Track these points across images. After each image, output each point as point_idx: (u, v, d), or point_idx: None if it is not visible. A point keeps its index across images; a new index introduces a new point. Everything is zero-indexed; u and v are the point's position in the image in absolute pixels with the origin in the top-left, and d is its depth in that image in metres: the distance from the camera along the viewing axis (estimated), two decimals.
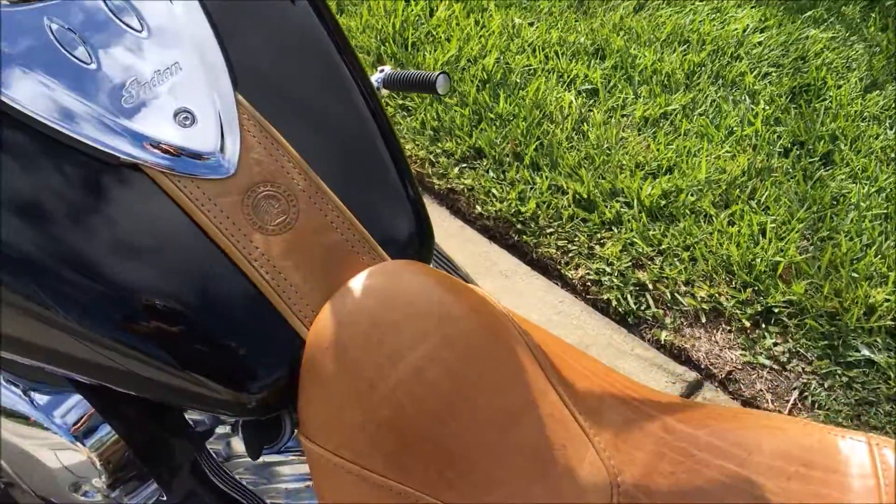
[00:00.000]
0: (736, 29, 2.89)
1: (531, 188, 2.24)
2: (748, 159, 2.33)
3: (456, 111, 2.44)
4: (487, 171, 2.30)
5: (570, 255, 2.11)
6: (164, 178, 0.72)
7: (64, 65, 0.72)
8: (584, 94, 2.56)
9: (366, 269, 0.75)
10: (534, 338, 0.78)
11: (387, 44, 2.64)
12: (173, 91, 0.75)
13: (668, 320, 1.97)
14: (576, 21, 2.87)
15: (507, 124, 2.40)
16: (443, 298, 0.74)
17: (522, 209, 2.19)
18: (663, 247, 2.09)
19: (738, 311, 1.96)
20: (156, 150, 0.73)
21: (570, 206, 2.19)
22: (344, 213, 0.77)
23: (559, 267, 2.10)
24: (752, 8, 3.04)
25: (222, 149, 0.74)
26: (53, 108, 0.71)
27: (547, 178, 2.25)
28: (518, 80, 2.56)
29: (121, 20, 0.76)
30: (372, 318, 0.72)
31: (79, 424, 0.86)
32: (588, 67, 2.64)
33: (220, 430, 0.94)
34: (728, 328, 1.95)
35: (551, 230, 2.15)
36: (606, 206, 2.18)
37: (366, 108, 0.87)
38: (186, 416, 0.92)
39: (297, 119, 0.81)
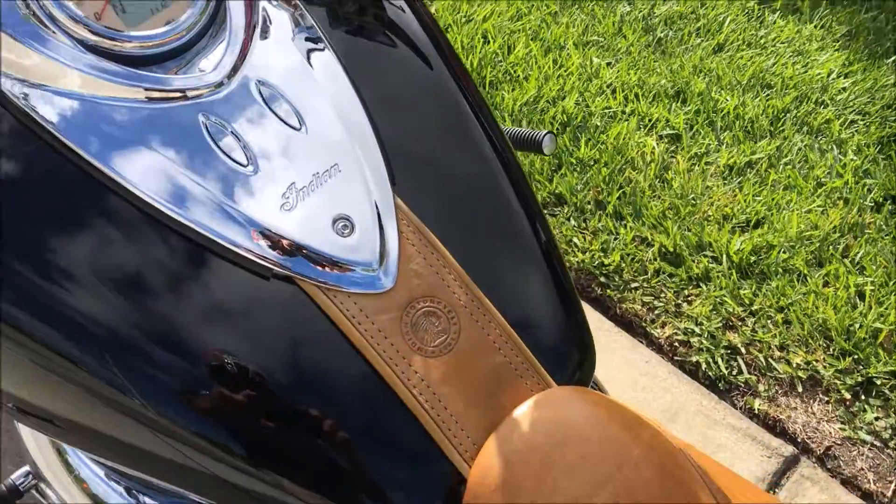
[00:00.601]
0: (820, 74, 2.80)
1: (614, 238, 2.16)
2: (840, 214, 2.23)
3: (536, 155, 2.38)
4: (569, 219, 2.23)
5: (657, 312, 2.03)
6: (318, 292, 0.66)
7: (219, 167, 0.67)
8: (666, 140, 2.48)
9: (531, 398, 0.69)
10: (710, 474, 0.71)
11: None
12: (332, 196, 0.69)
13: (761, 387, 1.88)
14: (654, 61, 2.79)
15: (588, 170, 2.33)
16: (619, 436, 0.68)
17: (606, 261, 2.11)
18: (755, 307, 2.00)
19: (836, 381, 1.86)
20: (312, 262, 0.67)
21: (655, 259, 2.11)
22: (506, 332, 0.70)
23: (644, 324, 2.02)
24: (835, 51, 2.94)
25: (381, 260, 0.68)
26: (206, 213, 0.65)
27: (631, 228, 2.18)
28: (598, 124, 2.48)
29: (280, 118, 0.70)
30: (543, 458, 0.65)
31: None
32: (669, 111, 2.57)
33: None
34: (826, 399, 1.86)
35: (636, 285, 2.08)
36: (694, 261, 2.10)
37: (520, 203, 0.80)
38: None
39: (453, 221, 0.75)
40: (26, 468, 1.03)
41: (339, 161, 0.70)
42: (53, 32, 0.66)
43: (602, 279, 2.10)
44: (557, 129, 2.44)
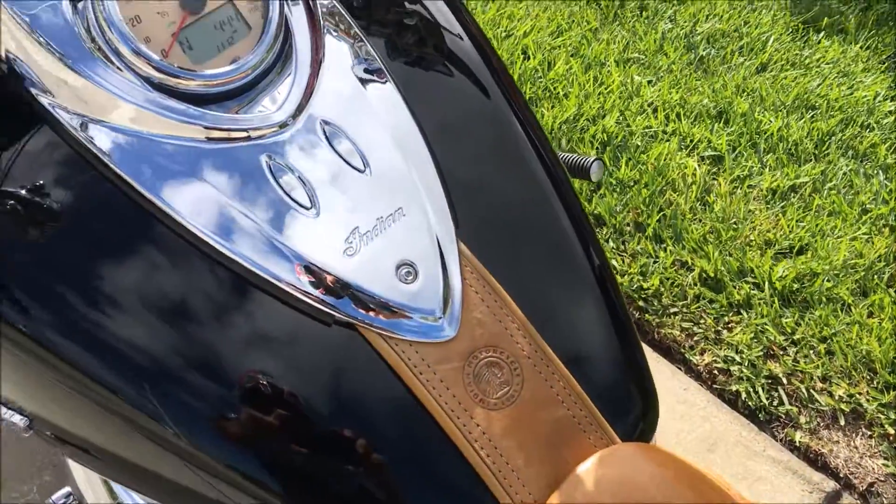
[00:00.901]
0: (865, 96, 2.75)
1: (654, 262, 2.14)
2: (886, 242, 2.18)
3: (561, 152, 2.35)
4: (607, 241, 2.20)
5: (696, 338, 2.00)
6: (379, 340, 0.65)
7: (282, 210, 0.66)
8: (707, 161, 2.45)
9: (595, 454, 0.67)
10: None
11: None
12: (396, 240, 0.68)
13: (802, 419, 1.84)
14: (696, 80, 2.76)
15: (627, 191, 2.30)
16: (685, 497, 0.66)
17: (645, 285, 2.08)
18: (797, 336, 1.96)
19: (880, 415, 1.82)
20: (374, 309, 0.66)
21: (695, 284, 2.08)
22: (569, 384, 0.69)
23: (683, 351, 1.98)
24: (881, 73, 2.89)
25: (444, 308, 0.67)
26: (265, 255, 0.65)
27: (670, 252, 2.15)
28: (639, 143, 2.46)
29: (345, 159, 0.69)
30: None
31: None
32: (711, 132, 2.53)
33: None
34: (869, 433, 1.81)
35: (675, 310, 2.05)
36: (735, 287, 2.06)
37: (581, 243, 0.79)
38: None
39: (515, 266, 0.73)
40: (67, 489, 1.03)
41: (404, 204, 0.69)
42: (118, 68, 0.65)
43: (640, 303, 2.07)
44: (597, 148, 2.42)
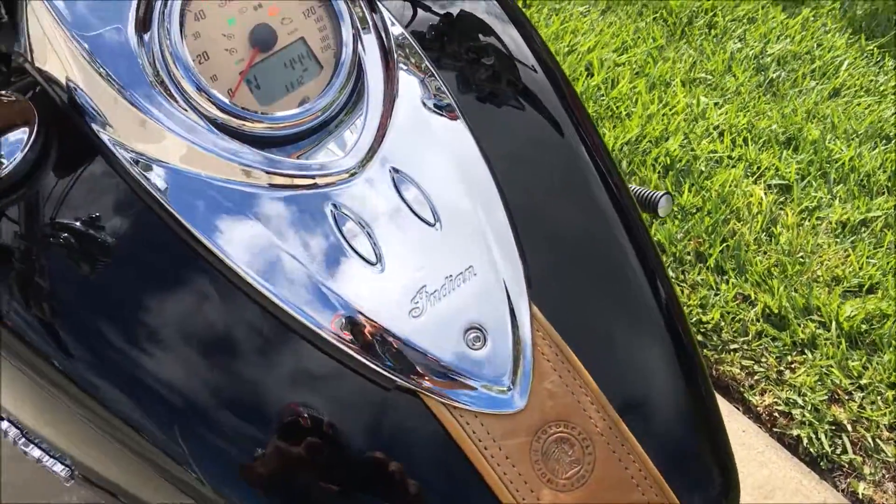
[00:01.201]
0: None
1: (714, 294, 2.06)
2: None
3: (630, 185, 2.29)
4: (666, 270, 2.13)
5: (756, 377, 1.92)
6: (442, 409, 0.61)
7: (346, 264, 0.62)
8: (774, 190, 2.36)
9: None
10: None
11: None
12: (465, 302, 0.64)
13: (867, 470, 1.75)
14: (765, 104, 2.67)
15: (689, 218, 2.23)
16: None
17: (704, 318, 2.01)
18: (864, 381, 1.87)
19: None
20: (438, 375, 0.62)
21: (758, 320, 2.00)
22: (646, 466, 0.64)
23: (742, 390, 1.91)
24: None
25: (514, 377, 0.63)
26: (325, 313, 0.61)
27: (732, 284, 2.07)
28: (703, 169, 2.38)
29: (414, 211, 0.65)
30: None
31: None
32: (779, 159, 2.44)
33: None
34: None
35: (735, 346, 1.97)
36: (799, 325, 1.98)
37: (657, 303, 0.74)
38: None
39: (590, 331, 0.69)
40: None
41: (475, 262, 0.65)
42: (181, 106, 0.62)
43: (699, 337, 2.00)
44: (659, 172, 2.35)
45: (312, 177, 0.64)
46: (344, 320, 0.61)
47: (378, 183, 0.65)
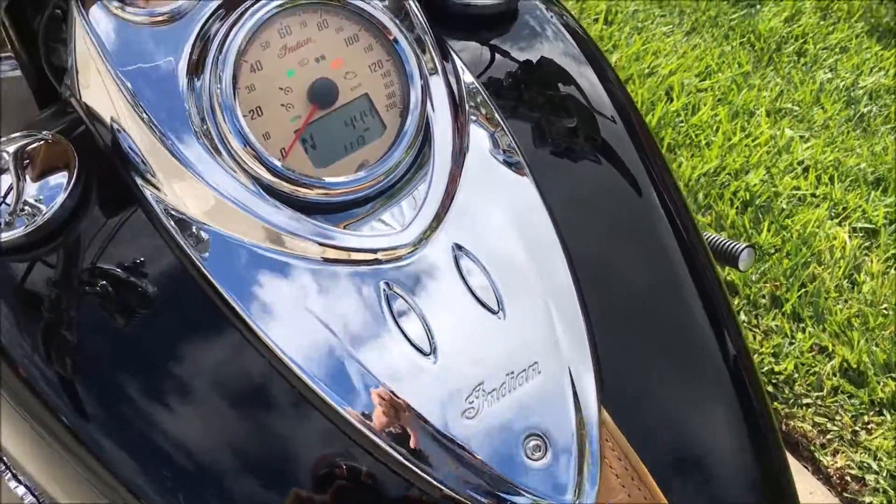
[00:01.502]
0: None
1: (789, 343, 1.95)
2: None
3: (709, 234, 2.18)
4: (739, 312, 2.03)
5: (829, 436, 1.81)
6: None
7: (395, 353, 0.56)
8: (860, 234, 2.23)
9: None
10: None
11: None
12: (526, 404, 0.57)
13: None
14: (855, 140, 2.53)
15: (767, 259, 2.12)
16: None
17: (776, 368, 1.90)
18: None
19: None
20: (491, 487, 0.55)
21: (834, 374, 1.89)
22: None
23: (813, 449, 1.80)
24: None
25: (577, 493, 0.56)
26: (367, 406, 0.55)
27: (809, 333, 1.96)
28: (784, 206, 2.26)
29: (476, 296, 0.58)
30: None
31: None
32: (867, 201, 2.31)
33: None
34: None
35: (808, 401, 1.86)
36: (879, 383, 1.86)
37: (735, 388, 0.67)
38: None
39: (666, 446, 0.61)
40: None
41: (540, 359, 0.58)
42: (227, 164, 0.57)
43: (769, 388, 1.89)
44: (738, 207, 2.24)
45: (365, 251, 0.57)
46: (388, 417, 0.55)
47: (438, 261, 0.58)
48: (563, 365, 0.58)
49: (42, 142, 0.60)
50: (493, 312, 0.58)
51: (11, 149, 0.59)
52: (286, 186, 0.56)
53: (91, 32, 0.58)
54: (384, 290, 0.57)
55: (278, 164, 0.56)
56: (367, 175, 0.58)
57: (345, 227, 0.57)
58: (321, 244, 0.56)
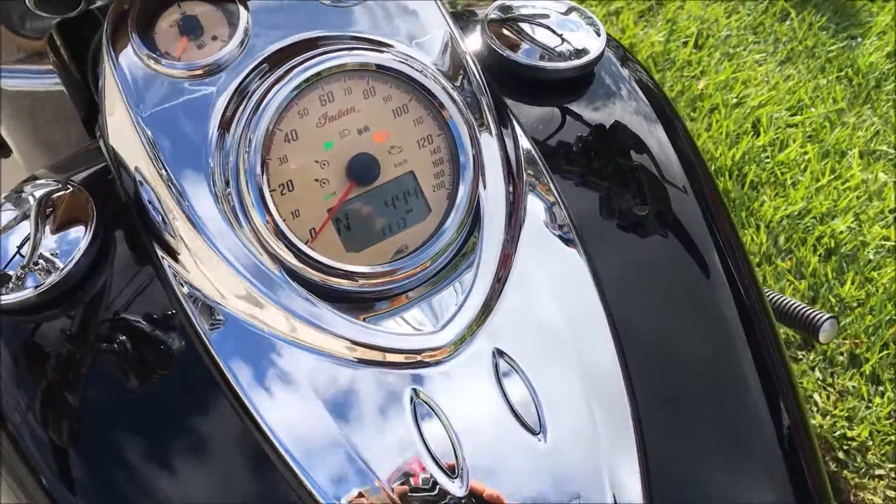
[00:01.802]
0: None
1: (866, 407, 1.83)
2: None
3: (788, 280, 2.07)
4: (813, 369, 1.92)
5: None
6: None
7: (417, 474, 0.50)
8: None
9: None
10: None
11: (721, 177, 2.32)
12: None
13: None
14: None
15: (848, 313, 1.99)
16: None
17: (850, 433, 1.79)
18: None
19: None
20: None
21: None
22: None
23: None
24: None
25: None
26: None
27: (889, 399, 1.83)
28: (872, 258, 2.13)
29: (516, 412, 0.52)
30: None
31: None
32: None
33: None
34: None
35: (882, 472, 1.74)
36: None
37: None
38: None
39: None
40: None
41: (584, 492, 0.51)
42: (249, 242, 0.51)
43: (839, 454, 1.78)
44: (821, 255, 2.12)
45: (399, 352, 0.52)
46: None
47: (476, 368, 0.52)
48: (609, 500, 0.51)
49: (67, 191, 0.56)
50: (534, 433, 0.52)
51: (38, 194, 0.55)
52: (315, 275, 0.51)
53: (118, 76, 0.53)
54: (412, 397, 0.51)
55: (304, 246, 0.50)
56: (404, 265, 0.52)
57: (374, 321, 0.51)
58: (344, 338, 0.51)
